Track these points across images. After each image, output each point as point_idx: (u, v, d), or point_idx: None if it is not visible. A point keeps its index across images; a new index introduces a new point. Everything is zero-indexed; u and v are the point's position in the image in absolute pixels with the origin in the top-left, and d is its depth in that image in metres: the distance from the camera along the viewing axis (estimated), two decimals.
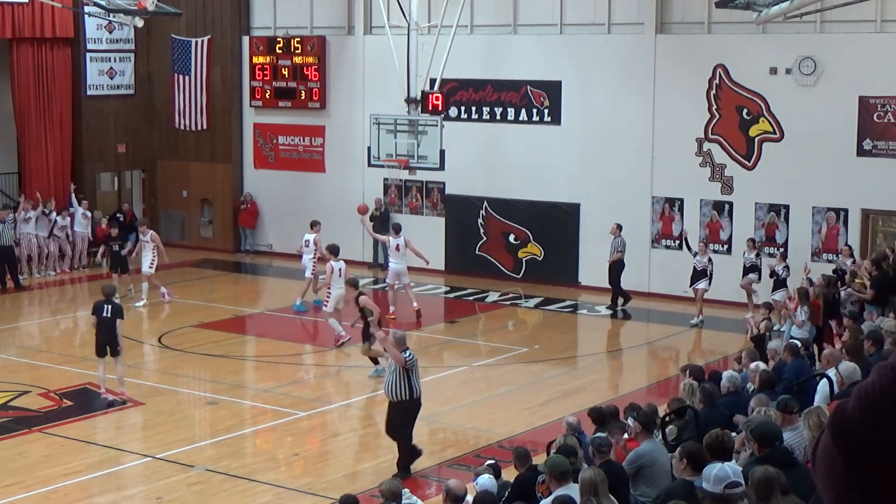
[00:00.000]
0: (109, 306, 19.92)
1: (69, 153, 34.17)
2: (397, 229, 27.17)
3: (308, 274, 27.39)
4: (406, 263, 26.80)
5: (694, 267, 25.91)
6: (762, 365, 15.37)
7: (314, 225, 28.22)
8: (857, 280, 21.48)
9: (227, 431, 18.68)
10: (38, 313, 28.90)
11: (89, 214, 31.89)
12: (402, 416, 16.65)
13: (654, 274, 28.11)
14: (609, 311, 27.13)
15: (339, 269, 24.06)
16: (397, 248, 26.61)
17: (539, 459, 13.38)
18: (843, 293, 21.26)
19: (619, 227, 27.07)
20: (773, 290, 24.74)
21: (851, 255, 24.47)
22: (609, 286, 27.39)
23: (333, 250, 24.50)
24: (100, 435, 18.91)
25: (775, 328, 22.44)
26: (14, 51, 32.69)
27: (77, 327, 26.67)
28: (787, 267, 24.86)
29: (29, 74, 32.91)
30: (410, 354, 16.79)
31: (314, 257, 27.35)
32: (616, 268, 27.15)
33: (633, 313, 26.93)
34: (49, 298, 30.27)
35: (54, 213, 31.32)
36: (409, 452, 16.56)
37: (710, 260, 25.87)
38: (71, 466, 16.93)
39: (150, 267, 27.52)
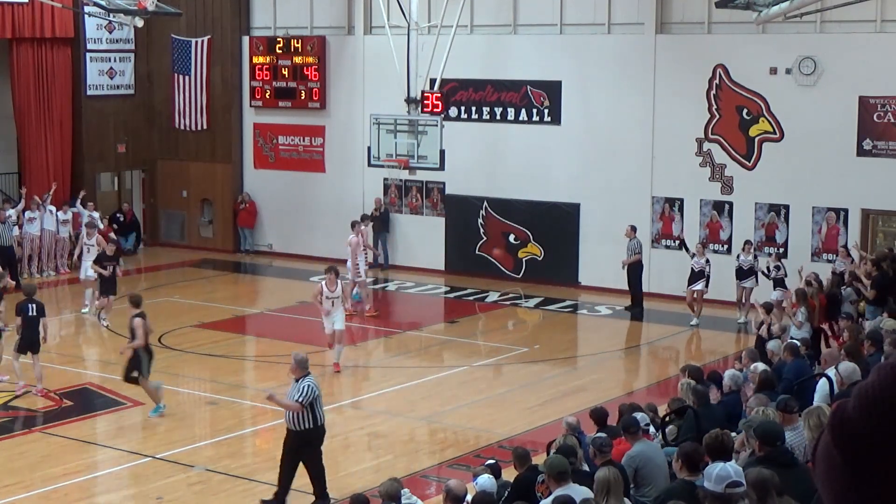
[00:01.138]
0: (33, 305, 20.35)
1: (69, 153, 34.19)
2: (353, 225, 27.09)
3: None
4: (362, 259, 26.85)
5: (692, 268, 25.91)
6: (761, 365, 15.34)
7: (362, 220, 28.72)
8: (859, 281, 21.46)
9: (227, 431, 18.68)
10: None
11: (96, 214, 31.78)
12: (303, 448, 15.02)
13: (654, 274, 28.07)
14: (628, 314, 26.97)
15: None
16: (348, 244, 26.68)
17: (539, 459, 13.37)
18: (842, 293, 21.27)
19: (634, 229, 26.82)
20: (774, 289, 24.73)
21: (849, 255, 24.51)
22: (627, 288, 27.12)
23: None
24: (100, 435, 18.91)
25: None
26: (14, 51, 32.69)
27: (77, 328, 26.68)
28: (777, 267, 24.85)
29: (29, 74, 32.92)
30: (309, 386, 15.05)
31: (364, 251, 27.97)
32: (635, 270, 26.92)
33: (634, 313, 26.91)
34: (49, 298, 30.26)
35: (54, 208, 31.32)
36: (284, 487, 15.23)
37: (707, 261, 25.86)
38: (71, 466, 16.93)
39: (92, 272, 27.04)
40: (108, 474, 16.99)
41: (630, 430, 12.06)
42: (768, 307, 21.15)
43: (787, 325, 19.61)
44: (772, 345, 17.04)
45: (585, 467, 11.42)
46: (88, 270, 26.45)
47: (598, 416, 13.96)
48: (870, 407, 1.97)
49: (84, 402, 20.15)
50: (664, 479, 11.15)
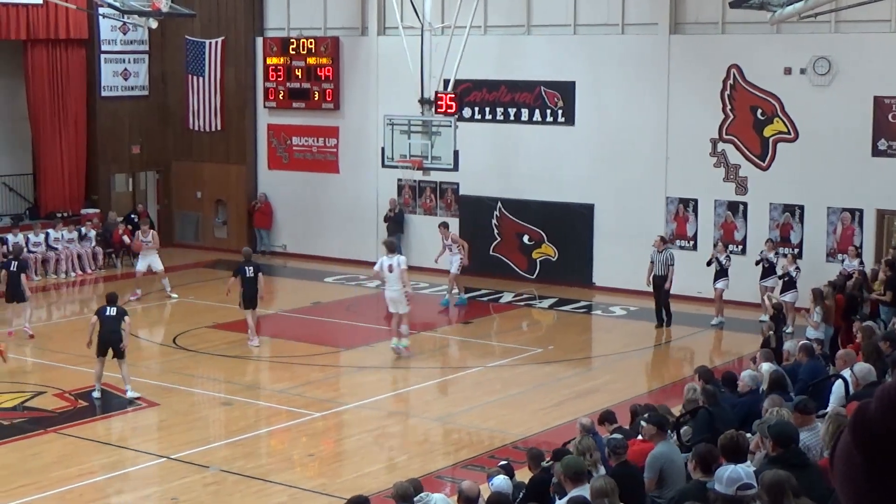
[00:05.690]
0: (251, 267, 23.95)
1: (84, 154, 34.31)
2: (391, 247, 24.18)
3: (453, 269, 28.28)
4: (403, 289, 23.32)
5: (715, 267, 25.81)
6: (769, 366, 15.25)
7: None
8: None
9: (242, 432, 18.71)
10: (53, 314, 28.97)
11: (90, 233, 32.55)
12: None
13: None
14: (644, 314, 26.70)
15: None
16: (390, 268, 23.29)
17: None
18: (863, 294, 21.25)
19: (664, 240, 26.16)
20: (782, 291, 24.62)
21: (858, 256, 24.44)
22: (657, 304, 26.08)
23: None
24: (115, 435, 18.96)
25: (787, 330, 22.43)
26: (29, 52, 32.78)
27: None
28: (798, 268, 24.75)
29: (43, 75, 33.02)
30: None
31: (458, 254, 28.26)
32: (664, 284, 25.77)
33: (647, 315, 26.69)
34: (68, 298, 30.42)
35: (63, 231, 31.94)
36: None
37: (728, 257, 25.81)
38: (86, 467, 16.97)
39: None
40: (123, 475, 17.02)
41: (663, 428, 11.97)
42: (777, 308, 21.12)
43: (786, 328, 19.60)
44: (788, 345, 17.01)
45: (602, 469, 11.40)
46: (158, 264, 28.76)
47: (605, 418, 13.94)
48: (891, 408, 1.97)
49: (99, 402, 20.18)
50: (682, 480, 11.13)
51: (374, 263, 31.68)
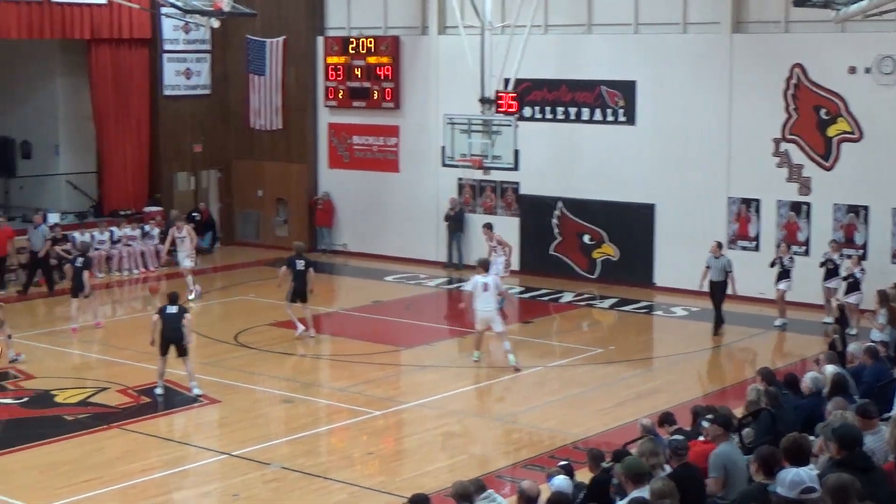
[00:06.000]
0: (302, 260, 24.61)
1: (147, 153, 34.64)
2: (486, 266, 23.05)
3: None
4: (496, 305, 22.82)
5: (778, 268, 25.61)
6: (833, 368, 15.08)
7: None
8: None
9: (303, 429, 18.78)
10: (117, 311, 29.22)
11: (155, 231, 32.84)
12: None
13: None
14: (703, 315, 26.47)
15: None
16: (485, 287, 22.38)
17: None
18: None
19: (720, 245, 25.61)
20: (846, 293, 24.38)
21: None
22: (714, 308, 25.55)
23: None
24: (177, 432, 19.12)
25: (851, 332, 22.19)
26: (92, 52, 33.14)
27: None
28: (863, 270, 24.49)
29: (107, 75, 33.38)
30: None
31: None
32: (723, 289, 25.23)
33: (709, 316, 26.41)
34: (128, 296, 30.70)
35: (127, 229, 32.46)
36: None
37: (791, 258, 25.60)
38: (148, 463, 17.11)
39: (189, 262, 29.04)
40: (184, 471, 17.14)
41: (728, 428, 11.86)
42: (841, 309, 20.90)
43: (849, 329, 19.34)
44: (852, 347, 16.81)
45: (667, 471, 11.31)
46: (185, 261, 28.74)
47: (665, 420, 13.85)
48: None
49: (162, 398, 20.34)
50: (743, 483, 11.03)
51: (434, 263, 31.98)
